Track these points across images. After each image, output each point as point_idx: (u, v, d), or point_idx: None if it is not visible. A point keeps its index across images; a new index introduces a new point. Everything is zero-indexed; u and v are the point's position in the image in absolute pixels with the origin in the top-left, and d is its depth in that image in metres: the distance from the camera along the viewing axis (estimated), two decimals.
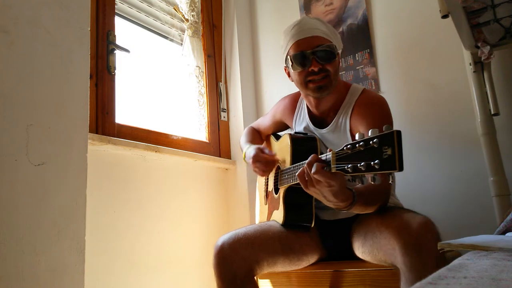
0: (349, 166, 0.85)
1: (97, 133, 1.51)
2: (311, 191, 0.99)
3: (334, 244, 1.33)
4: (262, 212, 1.54)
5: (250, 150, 1.42)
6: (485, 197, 1.57)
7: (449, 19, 1.41)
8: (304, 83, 1.29)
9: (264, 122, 1.64)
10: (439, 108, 1.78)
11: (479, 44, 1.47)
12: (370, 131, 0.81)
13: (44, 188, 1.03)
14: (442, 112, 1.77)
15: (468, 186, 1.66)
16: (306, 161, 0.97)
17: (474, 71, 1.56)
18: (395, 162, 0.75)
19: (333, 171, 0.91)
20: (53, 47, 1.12)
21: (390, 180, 0.79)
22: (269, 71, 2.35)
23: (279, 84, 2.28)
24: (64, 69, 1.13)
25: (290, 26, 1.32)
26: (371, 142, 0.79)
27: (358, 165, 0.82)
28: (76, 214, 1.09)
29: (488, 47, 1.46)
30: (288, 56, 1.30)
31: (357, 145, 0.83)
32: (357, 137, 0.84)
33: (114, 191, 1.52)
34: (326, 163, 0.94)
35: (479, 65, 1.56)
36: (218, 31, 2.31)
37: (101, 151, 1.49)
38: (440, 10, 1.42)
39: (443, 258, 0.97)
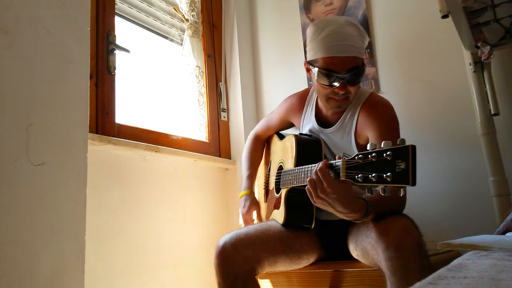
0: (359, 175, 0.85)
1: (97, 133, 1.51)
2: (318, 203, 0.99)
3: (331, 244, 1.33)
4: (261, 209, 1.54)
5: (245, 205, 1.46)
6: (485, 197, 1.57)
7: (449, 19, 1.41)
8: (325, 97, 1.27)
9: (270, 122, 1.62)
10: (439, 108, 1.78)
11: (479, 44, 1.47)
12: (383, 143, 0.81)
13: (44, 188, 1.03)
14: (442, 112, 1.77)
15: (468, 186, 1.66)
16: (315, 167, 0.97)
17: (474, 71, 1.56)
18: (408, 177, 0.75)
19: (342, 178, 0.91)
20: (53, 47, 1.11)
21: (401, 193, 0.79)
22: (269, 71, 2.35)
23: (279, 84, 2.28)
24: (64, 69, 1.13)
25: (323, 27, 1.21)
26: (384, 154, 0.79)
27: (369, 175, 0.82)
28: (76, 214, 1.09)
29: (488, 47, 1.46)
30: (315, 66, 1.23)
31: (369, 155, 0.83)
32: (369, 147, 0.84)
33: (114, 191, 1.52)
34: (335, 170, 0.94)
35: (479, 65, 1.56)
36: (218, 31, 2.31)
37: (101, 151, 1.49)
38: (440, 10, 1.43)
39: (427, 260, 0.97)
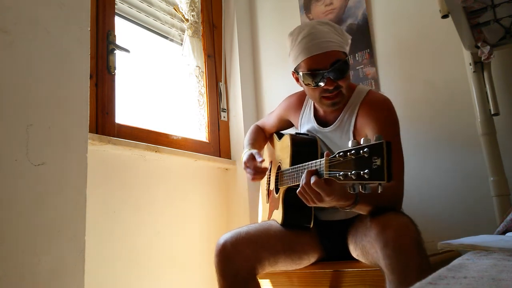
0: (340, 173, 0.87)
1: (97, 133, 1.51)
2: (312, 204, 1.02)
3: (331, 244, 1.33)
4: (264, 210, 1.54)
5: (245, 156, 1.42)
6: (485, 197, 1.57)
7: (449, 19, 1.41)
8: (318, 98, 1.28)
9: (269, 120, 1.62)
10: (439, 108, 1.78)
11: (479, 44, 1.47)
12: (362, 140, 0.82)
13: (44, 188, 1.03)
14: (442, 112, 1.77)
15: (468, 186, 1.66)
16: (303, 176, 0.99)
17: (474, 71, 1.56)
18: (384, 173, 0.76)
19: (325, 177, 0.93)
20: (53, 47, 1.11)
21: (379, 190, 0.79)
22: (269, 71, 2.35)
23: (279, 84, 2.28)
24: (64, 69, 1.13)
25: (298, 32, 1.25)
26: (361, 151, 0.80)
27: (349, 173, 0.83)
28: (76, 214, 1.09)
29: (488, 47, 1.46)
30: (300, 71, 1.26)
31: (348, 153, 0.84)
32: (349, 144, 0.85)
33: (114, 191, 1.52)
34: (319, 170, 0.96)
35: (479, 65, 1.56)
36: (218, 31, 2.31)
37: (101, 151, 1.49)
38: (440, 10, 1.42)
39: (426, 258, 0.97)
